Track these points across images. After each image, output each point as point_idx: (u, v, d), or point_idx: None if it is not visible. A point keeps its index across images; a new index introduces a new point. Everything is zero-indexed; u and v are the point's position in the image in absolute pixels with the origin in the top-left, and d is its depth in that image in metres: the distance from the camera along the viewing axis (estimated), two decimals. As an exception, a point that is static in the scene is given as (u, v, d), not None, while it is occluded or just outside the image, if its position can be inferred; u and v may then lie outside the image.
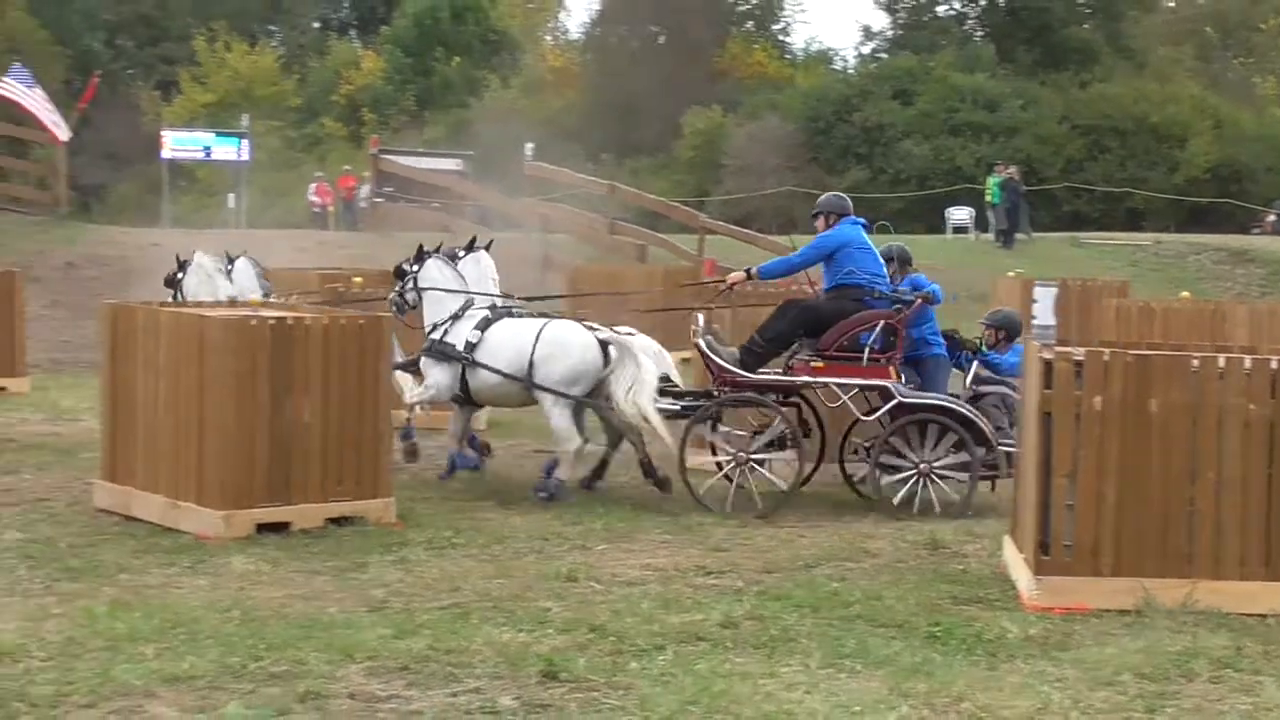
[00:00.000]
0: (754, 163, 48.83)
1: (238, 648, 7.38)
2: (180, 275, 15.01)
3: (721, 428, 11.95)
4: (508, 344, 12.15)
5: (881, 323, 11.66)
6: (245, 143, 41.67)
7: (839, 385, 11.67)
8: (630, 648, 7.60)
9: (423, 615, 8.13)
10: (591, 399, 12.03)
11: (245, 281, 14.78)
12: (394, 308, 12.83)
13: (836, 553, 10.02)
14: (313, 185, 41.57)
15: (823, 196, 12.70)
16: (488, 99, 54.30)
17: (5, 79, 31.64)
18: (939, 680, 7.15)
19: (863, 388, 11.70)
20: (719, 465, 11.87)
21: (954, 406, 11.74)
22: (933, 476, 11.60)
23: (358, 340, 10.52)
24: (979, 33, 60.08)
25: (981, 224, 39.89)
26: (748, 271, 12.36)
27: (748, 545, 10.24)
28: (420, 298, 12.76)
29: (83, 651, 7.33)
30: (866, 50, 63.34)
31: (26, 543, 9.74)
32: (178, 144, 42.32)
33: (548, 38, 68.60)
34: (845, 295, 11.87)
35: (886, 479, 11.65)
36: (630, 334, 12.27)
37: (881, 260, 12.14)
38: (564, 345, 12.04)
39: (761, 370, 11.84)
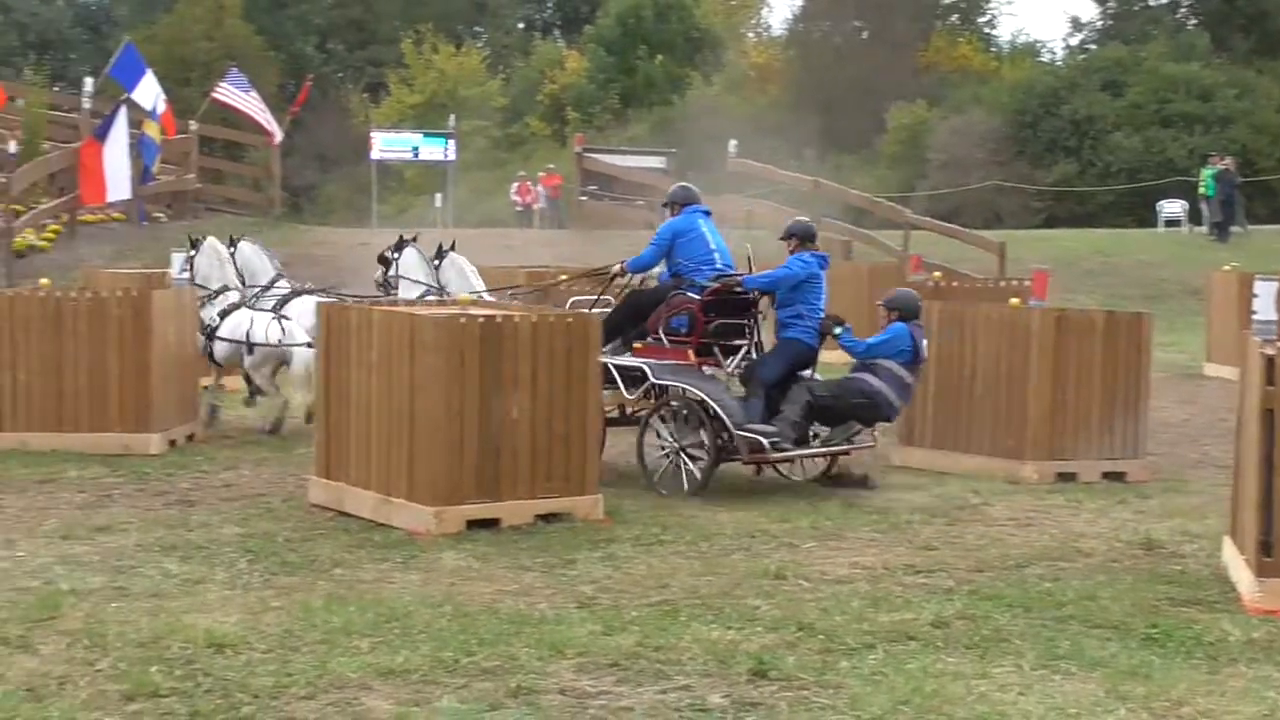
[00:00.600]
0: (959, 157, 48.30)
1: (450, 642, 7.47)
2: (193, 254, 15.57)
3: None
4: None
5: (682, 310, 12.44)
6: (451, 143, 42.22)
7: (616, 366, 12.31)
8: (840, 646, 7.55)
9: (631, 612, 8.15)
10: None
11: (256, 262, 15.72)
12: (381, 290, 14.81)
13: (1048, 552, 9.86)
14: (514, 184, 42.00)
15: (671, 187, 13.77)
16: (690, 96, 54.40)
17: (223, 84, 32.47)
18: (1158, 684, 6.99)
19: (620, 368, 12.34)
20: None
21: (691, 389, 12.07)
22: (685, 454, 11.97)
23: (566, 337, 10.59)
24: (1192, 21, 58.78)
25: (1195, 217, 38.98)
26: (621, 264, 13.20)
27: (957, 544, 10.12)
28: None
29: (300, 644, 7.47)
30: (1075, 41, 62.41)
31: (245, 537, 9.96)
32: (386, 145, 43.01)
33: (750, 34, 68.52)
34: (677, 283, 12.65)
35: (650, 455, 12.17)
36: None
37: (714, 247, 12.77)
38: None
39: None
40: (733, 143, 34.95)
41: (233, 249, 15.79)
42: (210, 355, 15.19)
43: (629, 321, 12.76)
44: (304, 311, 14.75)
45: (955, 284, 19.77)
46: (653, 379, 12.21)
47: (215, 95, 32.58)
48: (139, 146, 28.10)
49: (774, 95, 57.36)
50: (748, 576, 9.01)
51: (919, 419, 13.40)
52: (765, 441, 11.75)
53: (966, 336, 13.19)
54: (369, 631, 7.66)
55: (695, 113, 50.34)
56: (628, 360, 12.46)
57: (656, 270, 13.17)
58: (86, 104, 32.21)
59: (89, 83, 33.32)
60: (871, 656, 7.39)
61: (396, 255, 15.14)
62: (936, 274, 21.41)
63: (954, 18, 64.65)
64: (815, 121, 49.81)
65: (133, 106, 28.21)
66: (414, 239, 15.39)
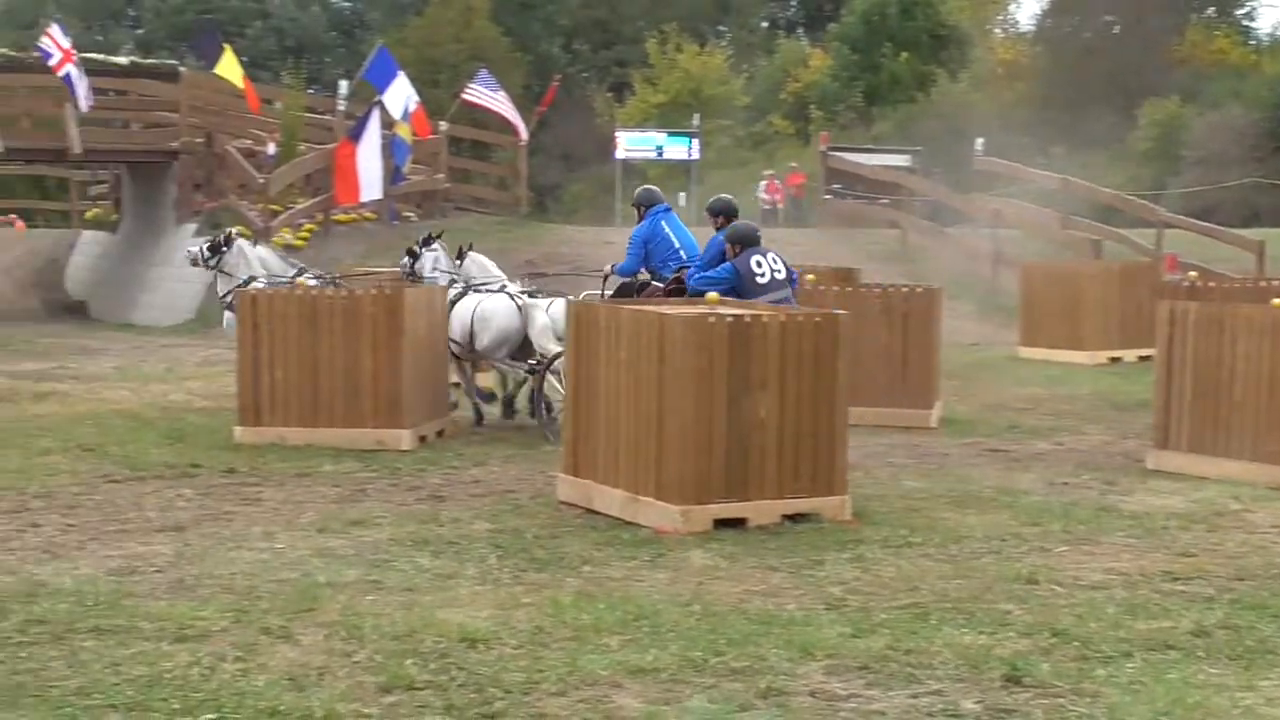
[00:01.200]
0: (1215, 153, 46.98)
1: (699, 642, 7.47)
2: (225, 250, 17.01)
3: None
4: (457, 316, 15.45)
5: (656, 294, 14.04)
6: (695, 142, 42.36)
7: None
8: (1096, 654, 7.38)
9: (881, 614, 8.07)
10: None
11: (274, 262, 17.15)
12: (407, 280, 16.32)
13: (1315, 562, 9.53)
14: (763, 183, 41.95)
15: (637, 190, 15.66)
16: (936, 94, 53.80)
17: (473, 85, 32.97)
18: None
19: None
20: None
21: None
22: None
23: (814, 337, 10.52)
24: None
25: None
26: (611, 267, 15.43)
27: (1217, 551, 9.82)
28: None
29: (550, 640, 7.53)
30: (1340, 33, 60.34)
31: (495, 533, 10.08)
32: (631, 144, 43.32)
33: (998, 30, 67.52)
34: (651, 275, 14.72)
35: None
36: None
37: (678, 244, 14.62)
38: (486, 318, 15.36)
39: None
40: (979, 140, 34.50)
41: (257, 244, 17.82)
42: None
43: None
44: None
45: (1212, 284, 19.22)
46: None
47: (465, 96, 33.09)
48: (390, 147, 28.66)
49: (1021, 92, 56.44)
50: (999, 580, 8.85)
51: (1175, 423, 13.05)
52: None
53: (1225, 338, 12.79)
54: (618, 629, 7.69)
55: (941, 110, 49.80)
56: None
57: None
58: (341, 106, 32.99)
59: (344, 85, 34.14)
60: (1129, 665, 7.20)
61: (424, 250, 16.60)
62: (1192, 274, 20.86)
63: (1210, 10, 62.96)
64: (1064, 118, 48.93)
65: (383, 108, 28.78)
66: (439, 236, 17.06)
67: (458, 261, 16.57)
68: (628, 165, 44.60)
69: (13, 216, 46.03)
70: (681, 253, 14.59)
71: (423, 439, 14.08)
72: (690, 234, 14.93)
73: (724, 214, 14.10)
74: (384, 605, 8.13)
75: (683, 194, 42.61)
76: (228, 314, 16.34)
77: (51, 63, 30.15)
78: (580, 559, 9.36)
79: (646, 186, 15.77)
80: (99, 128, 34.19)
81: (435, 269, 16.34)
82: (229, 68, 29.84)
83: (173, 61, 40.78)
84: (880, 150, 42.03)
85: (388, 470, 12.67)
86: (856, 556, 9.45)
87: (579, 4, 67.62)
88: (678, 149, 42.68)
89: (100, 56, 38.01)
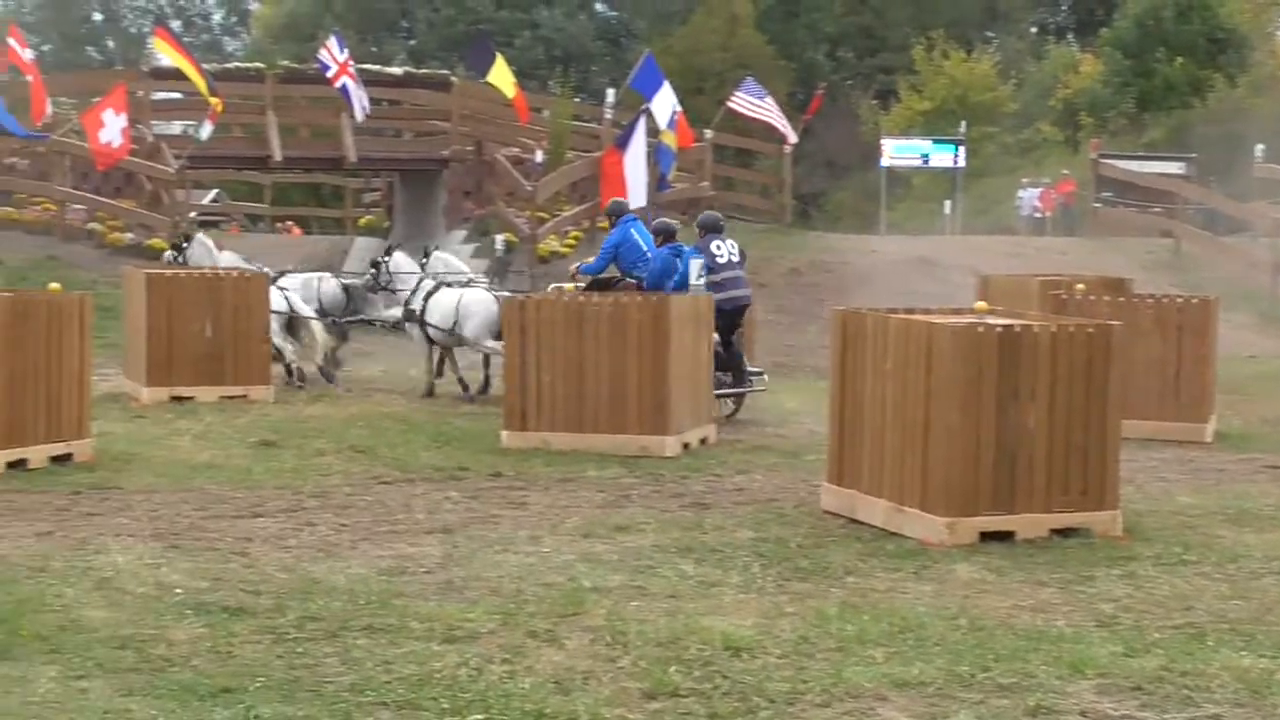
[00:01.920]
0: None
1: (965, 656, 7.35)
2: (186, 246, 20.23)
3: None
4: (440, 307, 18.03)
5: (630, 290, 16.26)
6: (961, 149, 41.85)
7: None
8: (1385, 683, 7.07)
9: (1154, 634, 7.85)
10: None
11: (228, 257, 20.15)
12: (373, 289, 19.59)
13: None
14: (1033, 190, 41.30)
15: (609, 202, 19.12)
16: (1212, 99, 52.33)
17: (738, 93, 33.01)
18: None
19: None
20: None
21: None
22: None
23: (1086, 348, 10.28)
24: None
25: None
26: (577, 267, 18.44)
27: None
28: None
29: (815, 651, 7.47)
30: None
31: (759, 541, 10.05)
32: (896, 152, 42.97)
33: (1279, 33, 65.43)
34: (623, 274, 17.08)
35: None
36: None
37: (646, 248, 16.97)
38: (469, 307, 17.79)
39: None
40: (1259, 147, 33.45)
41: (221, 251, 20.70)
42: None
43: None
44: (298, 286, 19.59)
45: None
46: None
47: (731, 104, 33.13)
48: (656, 155, 28.82)
49: (1303, 97, 54.61)
50: (1280, 602, 8.56)
51: None
52: None
53: None
54: (883, 641, 7.61)
55: (1217, 116, 48.39)
56: None
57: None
58: (608, 114, 33.30)
59: (610, 94, 34.46)
60: None
61: (387, 259, 19.45)
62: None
63: None
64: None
65: (649, 116, 28.96)
66: (398, 246, 20.34)
67: (424, 259, 19.39)
68: (893, 173, 44.23)
69: (289, 223, 47.48)
70: (648, 254, 16.91)
71: (686, 446, 14.11)
72: (652, 238, 17.20)
73: (664, 234, 16.90)
74: (648, 611, 8.16)
75: (947, 202, 42.14)
76: None
77: (329, 74, 30.97)
78: (844, 569, 9.28)
79: (615, 199, 19.54)
80: (373, 137, 35.05)
81: (397, 273, 19.20)
82: (500, 77, 30.27)
83: (444, 71, 41.65)
84: (1153, 157, 41.03)
85: (651, 477, 12.73)
86: (1128, 573, 9.21)
87: (844, 11, 67.28)
88: (943, 156, 42.21)
89: (375, 67, 39.02)
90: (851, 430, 10.99)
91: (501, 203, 31.87)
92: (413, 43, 73.07)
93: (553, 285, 18.93)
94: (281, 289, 18.83)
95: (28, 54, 29.76)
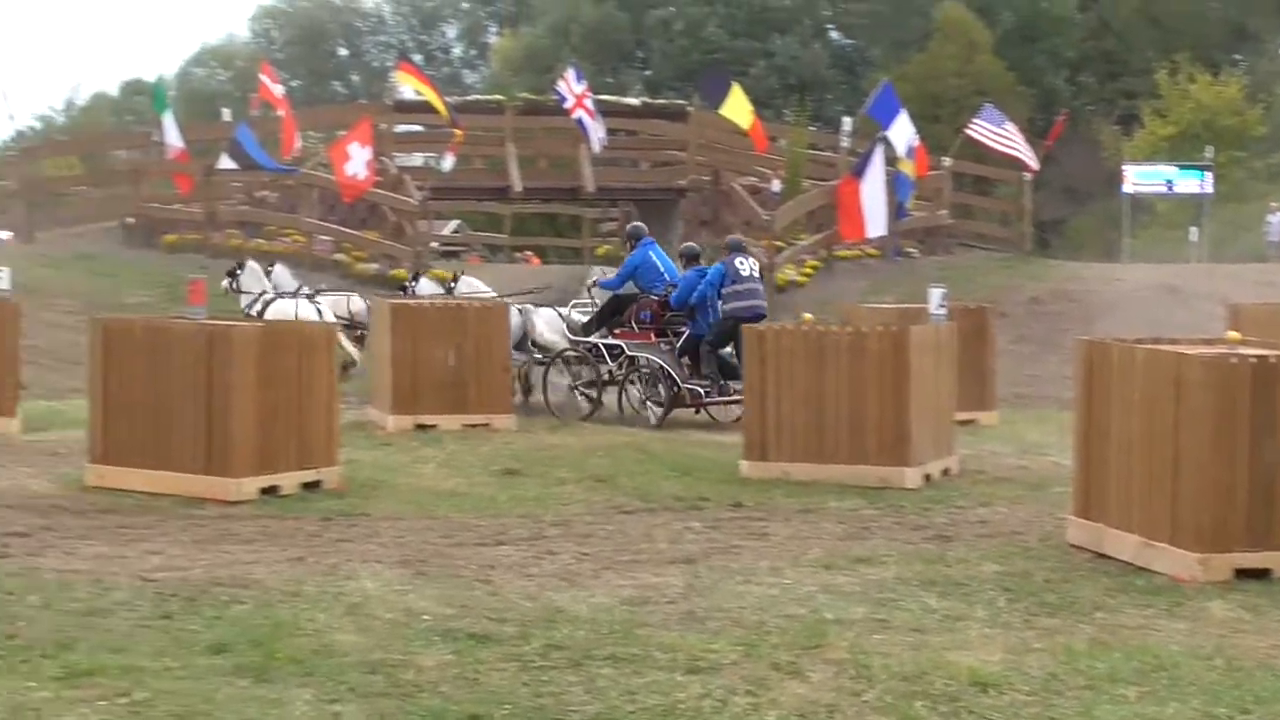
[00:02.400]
0: None
1: (1222, 697, 7.13)
2: (239, 271, 22.43)
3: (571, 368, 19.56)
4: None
5: (647, 308, 19.01)
6: (1208, 175, 40.88)
7: (606, 345, 19.03)
8: None
9: None
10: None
11: (283, 281, 22.21)
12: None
13: None
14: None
15: (628, 225, 21.86)
16: None
17: (977, 120, 32.69)
18: None
19: (605, 346, 19.02)
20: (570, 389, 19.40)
21: (654, 359, 18.66)
22: (646, 402, 18.77)
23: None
24: None
25: None
26: (594, 281, 20.30)
27: None
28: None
29: (1064, 688, 7.31)
30: None
31: (1003, 575, 9.89)
32: (1140, 178, 42.13)
33: None
34: (642, 292, 19.14)
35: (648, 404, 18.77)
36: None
37: (663, 269, 19.26)
38: None
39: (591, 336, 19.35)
40: None
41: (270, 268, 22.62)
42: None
43: (611, 316, 19.29)
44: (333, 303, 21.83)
45: None
46: (629, 353, 18.78)
47: (969, 131, 32.82)
48: (894, 183, 28.67)
49: None
50: None
51: None
52: (702, 392, 18.31)
53: None
54: (1135, 680, 7.42)
55: None
56: (610, 341, 19.01)
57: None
58: (844, 143, 33.26)
59: (847, 122, 34.40)
60: None
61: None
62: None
63: None
64: None
65: (887, 145, 28.83)
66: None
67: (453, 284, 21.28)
68: (1136, 199, 43.37)
69: (528, 253, 48.13)
70: (665, 275, 19.18)
71: (927, 477, 13.96)
72: (671, 262, 19.58)
73: (691, 257, 19.49)
74: (892, 645, 8.07)
75: (1193, 228, 41.16)
76: None
77: (566, 106, 31.39)
78: (1092, 605, 9.08)
79: (634, 223, 21.53)
80: (610, 167, 35.44)
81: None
82: (736, 107, 30.41)
83: (681, 101, 41.91)
84: None
85: (892, 508, 12.61)
86: (1394, 614, 8.86)
87: (1085, 35, 66.26)
88: (1189, 183, 41.27)
89: (613, 98, 39.40)
90: (1098, 463, 10.77)
91: (738, 232, 31.94)
92: (648, 73, 73.69)
93: (574, 303, 20.26)
94: (316, 305, 21.26)
95: (279, 89, 30.64)
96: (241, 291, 22.24)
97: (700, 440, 16.75)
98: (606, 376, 19.06)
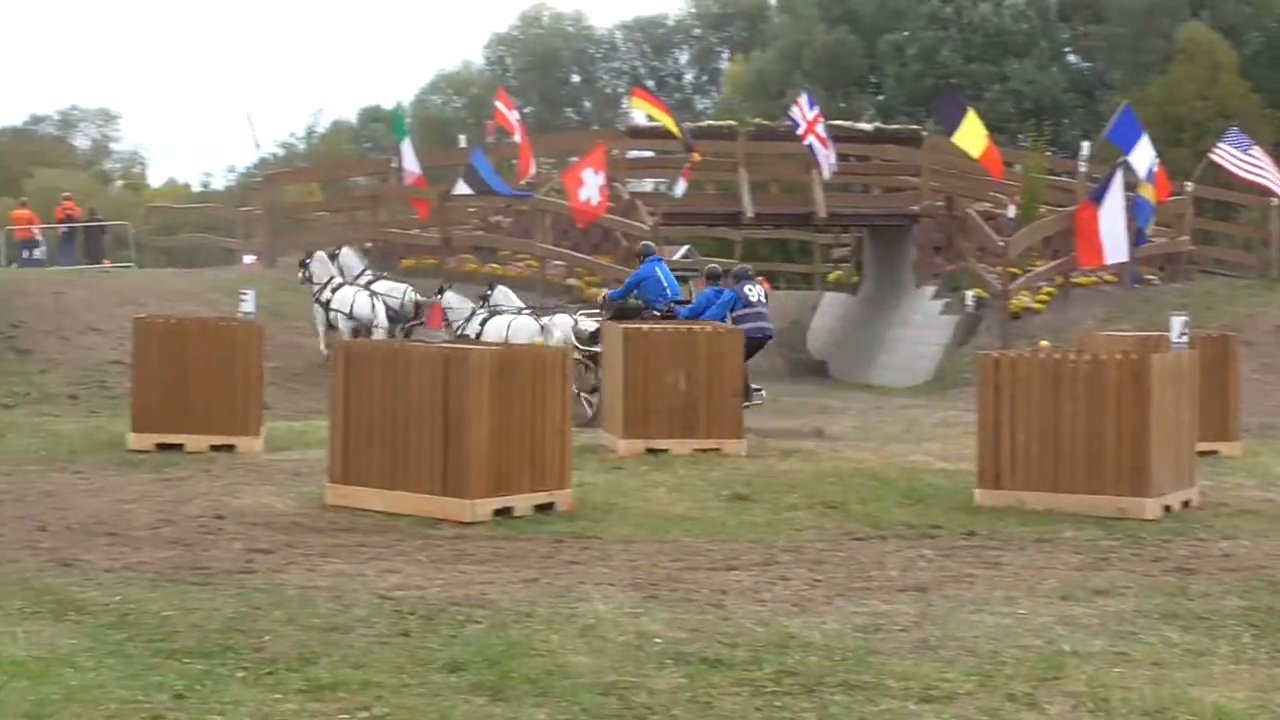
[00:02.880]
0: None
1: None
2: (308, 261, 26.03)
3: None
4: (494, 331, 22.58)
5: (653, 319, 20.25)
6: None
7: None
8: None
9: None
10: None
11: (351, 264, 26.23)
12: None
13: None
14: None
15: (639, 243, 23.72)
16: None
17: (1221, 145, 31.91)
18: None
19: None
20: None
21: None
22: None
23: None
24: None
25: None
26: (605, 294, 22.99)
27: None
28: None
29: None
30: None
31: (1249, 610, 9.60)
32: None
33: None
34: (647, 305, 21.05)
35: None
36: None
37: (665, 285, 21.21)
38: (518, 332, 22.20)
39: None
40: None
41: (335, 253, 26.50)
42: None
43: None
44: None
45: None
46: None
47: (1213, 156, 32.03)
48: (1133, 209, 28.12)
49: None
50: None
51: None
52: None
53: None
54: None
55: None
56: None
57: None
58: (1082, 167, 32.70)
59: (1085, 147, 33.81)
60: None
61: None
62: None
63: None
64: None
65: (1127, 169, 28.30)
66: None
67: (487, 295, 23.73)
68: None
69: (760, 278, 48.09)
70: (668, 291, 21.15)
71: (1167, 509, 13.63)
72: (674, 279, 21.74)
73: (713, 277, 21.41)
74: (1132, 679, 7.89)
75: None
76: (318, 310, 25.65)
77: (798, 131, 31.36)
78: (1344, 643, 8.78)
79: (645, 242, 23.53)
80: (842, 192, 35.31)
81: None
82: (971, 133, 30.09)
83: (915, 126, 41.62)
84: None
85: (1131, 539, 12.34)
86: None
87: (1339, 55, 64.31)
88: None
89: (846, 123, 39.26)
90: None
91: (972, 258, 31.61)
92: (881, 98, 73.24)
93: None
94: (372, 293, 25.17)
95: (514, 115, 31.09)
96: (313, 281, 25.66)
97: (935, 468, 16.56)
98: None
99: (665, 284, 21.21)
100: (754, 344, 19.69)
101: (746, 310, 20.07)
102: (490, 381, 12.83)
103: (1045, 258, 31.79)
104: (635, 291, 21.31)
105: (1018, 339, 26.99)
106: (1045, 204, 33.63)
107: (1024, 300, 29.89)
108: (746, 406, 18.56)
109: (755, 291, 20.39)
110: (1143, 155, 28.12)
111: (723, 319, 19.67)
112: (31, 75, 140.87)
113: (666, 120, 28.89)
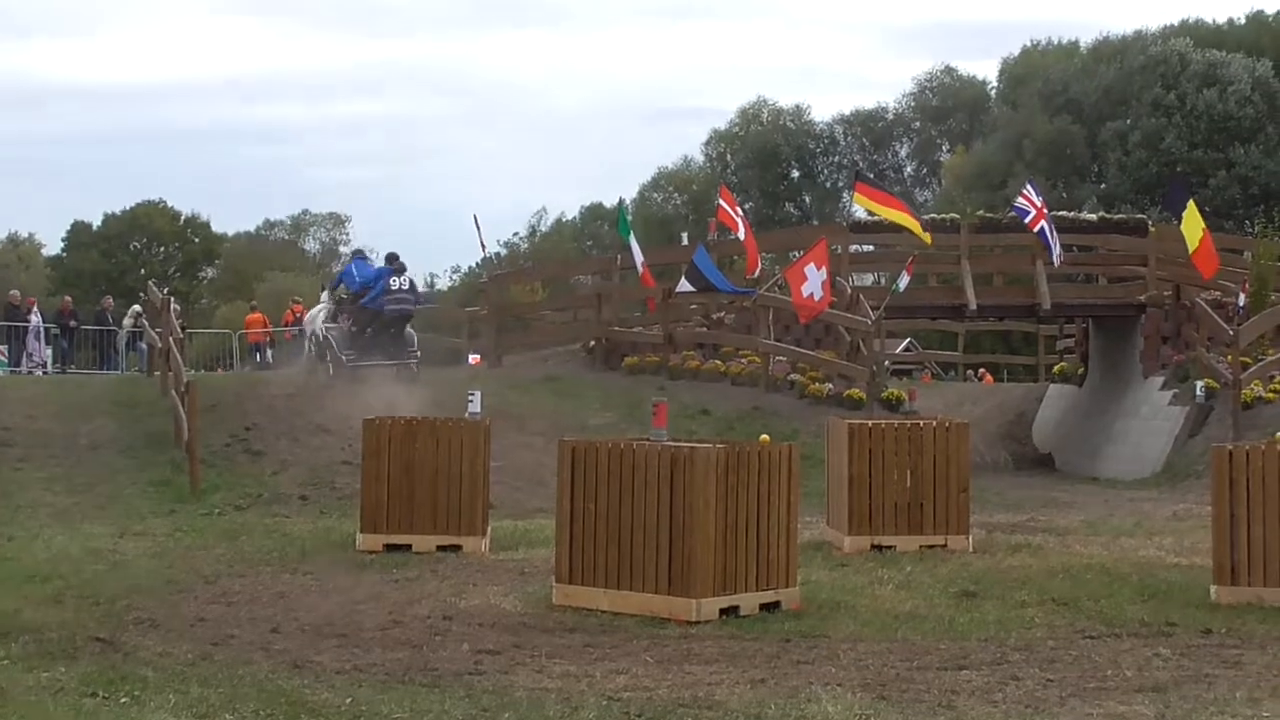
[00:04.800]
0: None
1: None
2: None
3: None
4: None
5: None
6: None
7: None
8: None
9: None
10: None
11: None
12: None
13: None
14: None
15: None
16: None
17: None
18: None
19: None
20: None
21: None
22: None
23: None
24: None
25: None
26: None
27: None
28: None
29: None
30: None
31: None
32: None
33: None
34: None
35: None
36: None
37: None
38: None
39: None
40: None
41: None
42: None
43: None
44: None
45: None
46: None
47: None
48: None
49: None
50: None
51: None
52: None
53: None
54: None
55: None
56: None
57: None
58: (1314, 253, 31.91)
59: (1315, 232, 33.01)
60: None
61: None
62: None
63: None
64: None
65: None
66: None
67: None
68: None
69: (982, 371, 47.68)
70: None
71: None
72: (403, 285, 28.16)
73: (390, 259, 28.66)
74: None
75: None
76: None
77: (1027, 219, 31.09)
78: None
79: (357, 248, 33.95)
80: (1066, 283, 34.88)
81: None
82: (1191, 223, 29.58)
83: (1140, 215, 41.04)
84: None
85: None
86: None
87: None
88: None
89: (1070, 214, 38.86)
90: None
91: (1202, 347, 30.94)
92: (1103, 186, 72.37)
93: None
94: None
95: (738, 213, 31.30)
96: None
97: (1169, 563, 16.19)
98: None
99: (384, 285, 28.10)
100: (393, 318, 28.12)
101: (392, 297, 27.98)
102: (718, 479, 12.86)
103: (1278, 346, 31.01)
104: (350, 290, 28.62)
105: (1250, 430, 26.30)
106: (1277, 291, 32.85)
107: (1256, 390, 29.14)
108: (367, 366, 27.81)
109: (399, 281, 28.30)
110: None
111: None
112: (265, 181, 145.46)
113: (895, 214, 28.66)
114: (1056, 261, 31.76)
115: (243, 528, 19.28)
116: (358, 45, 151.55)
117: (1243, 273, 33.06)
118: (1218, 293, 32.44)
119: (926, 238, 28.69)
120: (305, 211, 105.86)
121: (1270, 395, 29.20)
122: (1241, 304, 30.80)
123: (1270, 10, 79.11)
